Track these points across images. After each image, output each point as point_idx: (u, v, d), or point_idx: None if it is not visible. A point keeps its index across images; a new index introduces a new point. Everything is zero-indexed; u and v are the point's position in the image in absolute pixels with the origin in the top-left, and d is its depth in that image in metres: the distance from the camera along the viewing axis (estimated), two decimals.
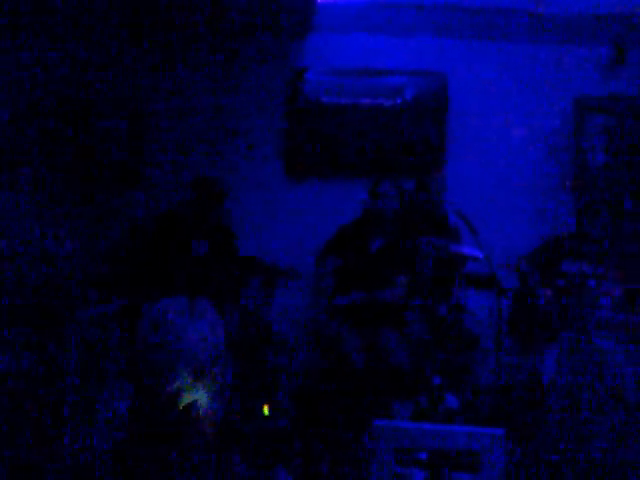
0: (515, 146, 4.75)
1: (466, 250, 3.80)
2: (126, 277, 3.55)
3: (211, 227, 4.18)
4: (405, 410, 2.73)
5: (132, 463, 1.48)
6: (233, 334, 3.51)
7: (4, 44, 3.76)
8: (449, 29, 4.76)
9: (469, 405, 3.51)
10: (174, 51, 4.70)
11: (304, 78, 4.69)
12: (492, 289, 3.86)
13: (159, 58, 4.69)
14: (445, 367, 3.67)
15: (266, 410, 3.60)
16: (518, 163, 4.74)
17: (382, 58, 4.75)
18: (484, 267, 3.85)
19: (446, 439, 1.64)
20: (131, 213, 4.56)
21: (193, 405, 1.54)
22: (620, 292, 3.59)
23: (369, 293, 3.84)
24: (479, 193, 4.61)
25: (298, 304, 4.45)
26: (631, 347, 3.45)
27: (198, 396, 1.56)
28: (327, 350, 3.85)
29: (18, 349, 2.58)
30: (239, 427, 3.26)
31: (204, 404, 1.58)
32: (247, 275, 4.17)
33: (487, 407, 3.66)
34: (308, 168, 4.77)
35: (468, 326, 4.06)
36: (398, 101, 4.70)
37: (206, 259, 4.03)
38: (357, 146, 4.73)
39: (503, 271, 3.95)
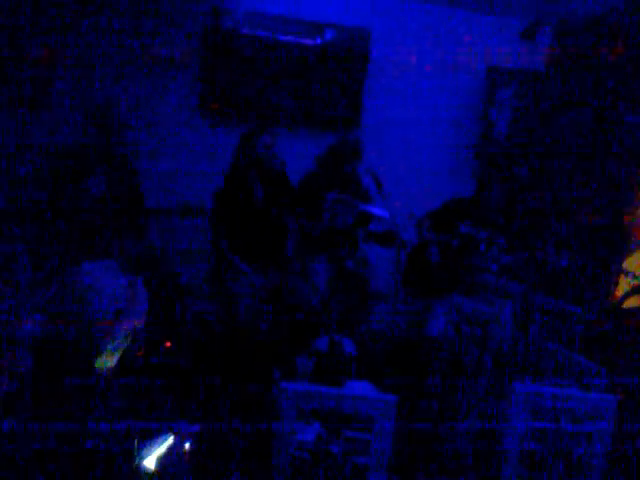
0: (428, 108, 4.93)
1: (373, 210, 3.97)
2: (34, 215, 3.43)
3: (109, 162, 3.98)
4: (308, 362, 2.91)
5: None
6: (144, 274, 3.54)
7: None
8: None
9: (364, 351, 3.75)
10: None
11: (223, 14, 4.62)
12: (393, 245, 4.07)
13: None
14: (344, 315, 3.90)
15: (168, 346, 3.72)
16: (431, 125, 4.93)
17: (306, 8, 4.73)
18: (388, 223, 4.06)
19: (344, 402, 1.83)
20: (36, 139, 4.37)
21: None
22: (507, 259, 3.88)
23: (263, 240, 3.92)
24: (389, 150, 4.78)
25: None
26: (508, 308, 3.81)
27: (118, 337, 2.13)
28: (222, 291, 3.92)
29: None
30: (142, 361, 3.36)
31: (123, 342, 2.17)
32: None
33: (379, 354, 3.93)
34: (222, 110, 4.75)
35: (367, 278, 4.28)
36: (318, 44, 4.71)
37: (103, 198, 3.85)
38: (275, 93, 4.74)
39: (405, 227, 4.17)
